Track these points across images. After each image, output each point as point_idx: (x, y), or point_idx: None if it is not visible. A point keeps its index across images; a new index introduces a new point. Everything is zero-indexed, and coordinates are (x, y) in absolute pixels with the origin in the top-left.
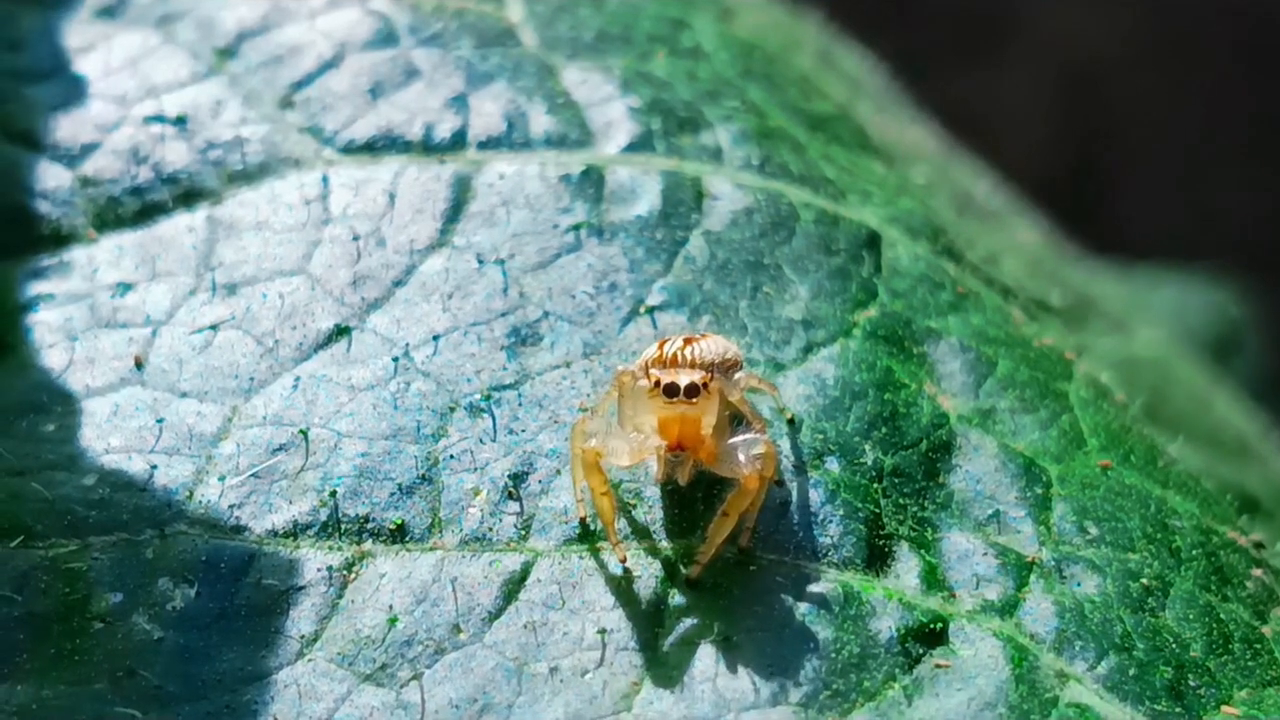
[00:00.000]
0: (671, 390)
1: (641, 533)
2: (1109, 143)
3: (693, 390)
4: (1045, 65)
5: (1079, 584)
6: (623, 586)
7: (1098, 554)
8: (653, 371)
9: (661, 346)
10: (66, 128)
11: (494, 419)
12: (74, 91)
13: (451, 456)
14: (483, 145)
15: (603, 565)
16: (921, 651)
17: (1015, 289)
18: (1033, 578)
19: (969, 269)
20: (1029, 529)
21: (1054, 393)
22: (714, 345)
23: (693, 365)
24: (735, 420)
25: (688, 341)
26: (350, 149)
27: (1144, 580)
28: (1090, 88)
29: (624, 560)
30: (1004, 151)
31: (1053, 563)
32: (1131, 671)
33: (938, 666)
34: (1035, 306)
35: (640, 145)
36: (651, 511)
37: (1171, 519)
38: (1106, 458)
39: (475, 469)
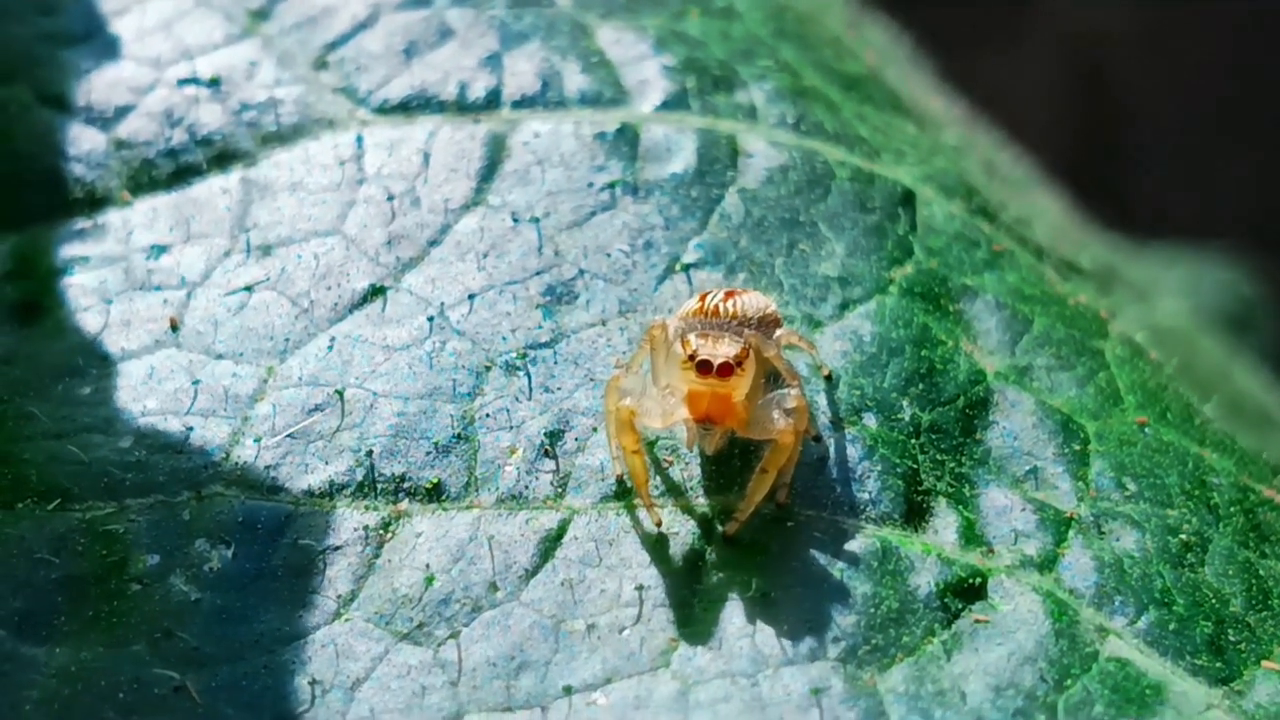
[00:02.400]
0: (704, 368)
1: (678, 489)
2: (1120, 126)
3: (726, 370)
4: (1057, 48)
5: (1118, 539)
6: (660, 543)
7: (1136, 510)
8: (689, 338)
9: (702, 299)
10: (100, 91)
11: (529, 377)
12: (108, 54)
13: (487, 415)
14: (517, 104)
15: (639, 522)
16: (960, 606)
17: (1048, 249)
18: (1071, 533)
19: (1003, 228)
20: (1067, 485)
21: (1090, 350)
22: (754, 300)
23: (733, 318)
24: (770, 376)
25: (728, 295)
26: (384, 109)
27: (1183, 536)
28: (1101, 71)
29: (659, 523)
30: (1016, 133)
31: (1091, 518)
32: (1172, 626)
33: (977, 621)
34: (1067, 268)
35: (675, 103)
36: (688, 468)
37: (1209, 476)
38: (1143, 415)
39: (511, 427)
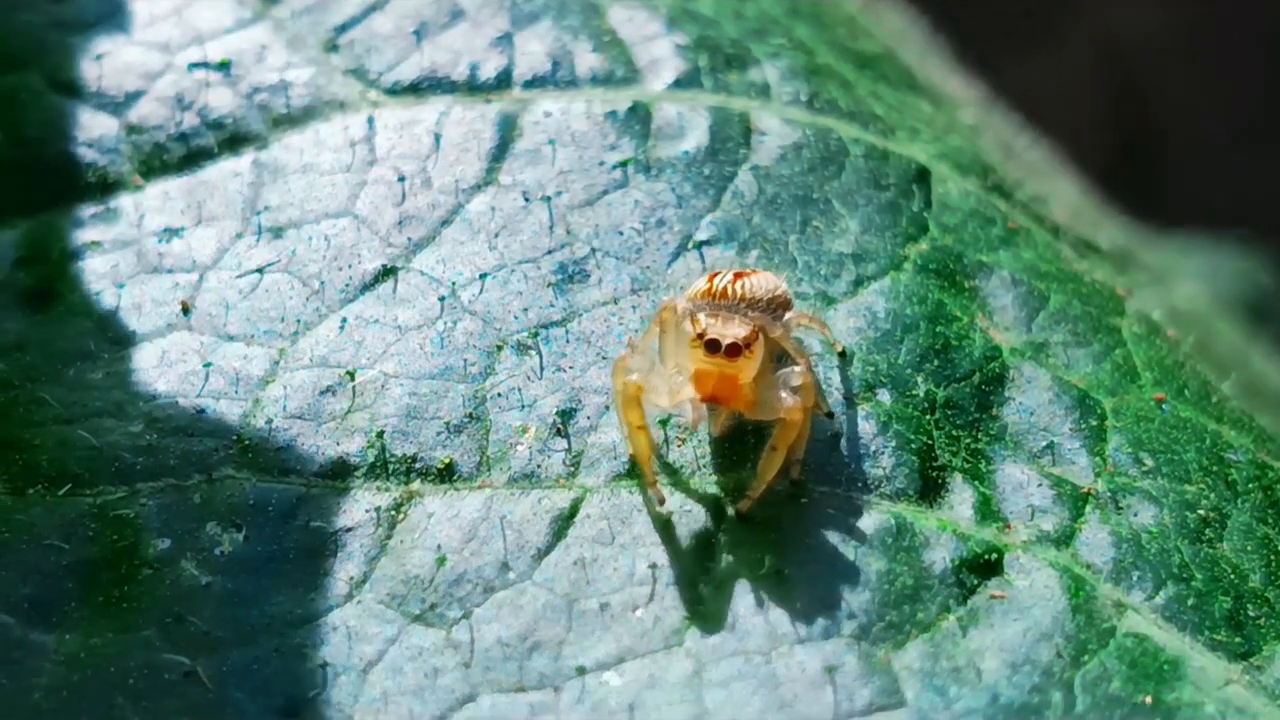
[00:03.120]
0: (713, 347)
1: (692, 467)
2: (1153, 129)
3: (734, 350)
4: (1089, 51)
5: (1135, 515)
6: (673, 521)
7: (1154, 485)
8: (699, 317)
9: (711, 280)
10: (112, 76)
11: (541, 356)
12: (119, 40)
13: (499, 395)
14: (528, 84)
15: (652, 500)
16: (976, 582)
17: (1064, 228)
18: (1088, 508)
19: (1018, 206)
20: (1084, 460)
21: (1107, 327)
22: (763, 282)
23: (742, 300)
24: (779, 357)
25: (737, 276)
26: (395, 90)
27: (1201, 511)
28: (1133, 74)
29: (662, 501)
30: (1048, 135)
31: (1108, 494)
32: (1190, 601)
33: (993, 597)
34: (1084, 246)
35: (687, 82)
36: (701, 445)
37: (1226, 452)
38: (1160, 391)
39: (523, 406)
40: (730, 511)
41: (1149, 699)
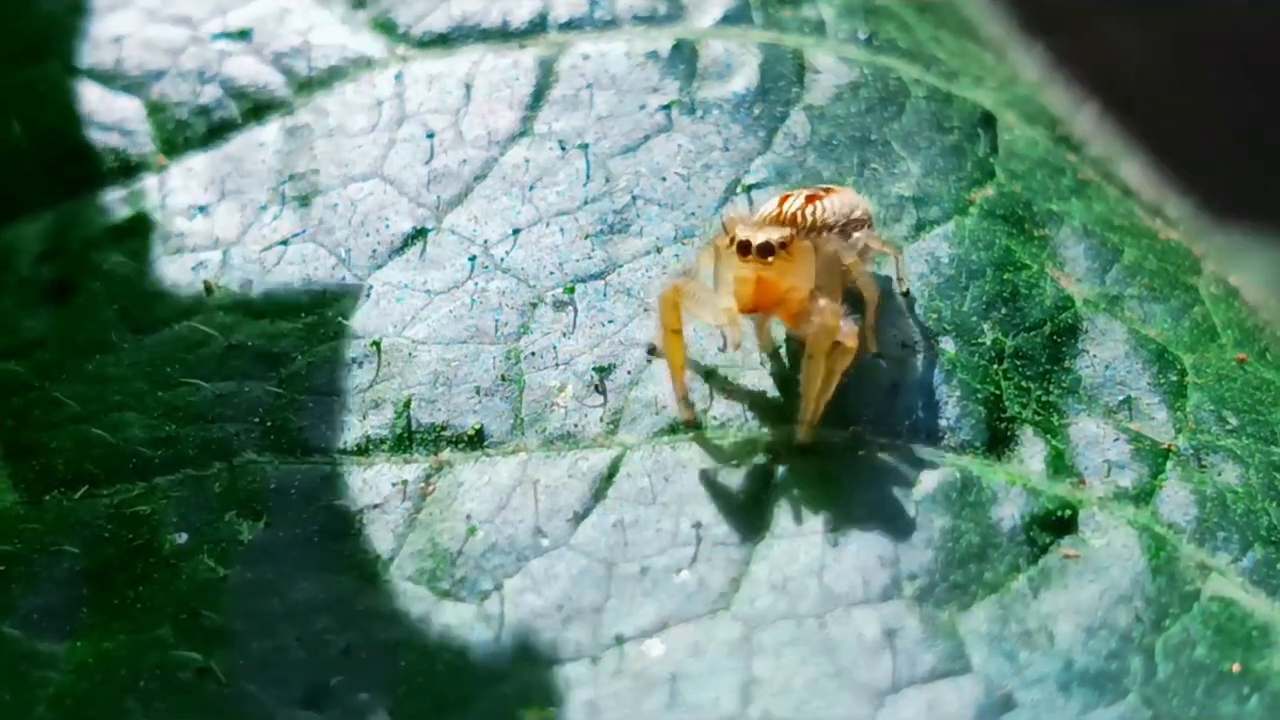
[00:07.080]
0: (744, 248)
1: (740, 420)
2: (1151, 163)
3: (766, 250)
4: (1085, 78)
5: (1219, 474)
6: (719, 477)
7: (1238, 444)
8: (732, 223)
9: (781, 204)
10: (132, 57)
11: (578, 311)
12: (138, 20)
13: (533, 354)
14: (564, 27)
15: (699, 454)
16: (1048, 541)
17: (1134, 190)
18: (1169, 465)
19: (1087, 161)
20: (1163, 416)
21: (1184, 285)
22: (841, 203)
23: (813, 228)
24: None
25: (810, 200)
26: (424, 43)
27: None
28: (1129, 111)
29: (693, 420)
30: None
31: (1190, 451)
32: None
33: (1066, 557)
34: (1153, 211)
35: (737, 17)
36: (752, 397)
37: None
38: (1241, 352)
39: (559, 364)
40: (780, 469)
41: (1237, 667)
